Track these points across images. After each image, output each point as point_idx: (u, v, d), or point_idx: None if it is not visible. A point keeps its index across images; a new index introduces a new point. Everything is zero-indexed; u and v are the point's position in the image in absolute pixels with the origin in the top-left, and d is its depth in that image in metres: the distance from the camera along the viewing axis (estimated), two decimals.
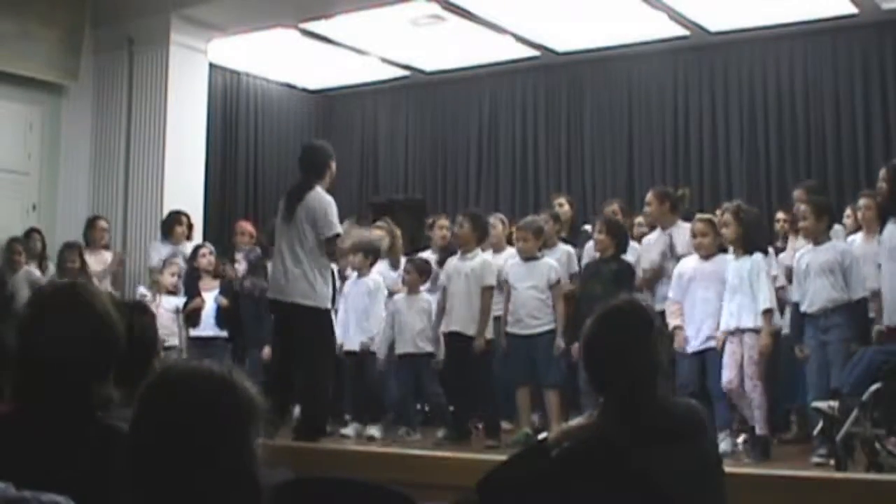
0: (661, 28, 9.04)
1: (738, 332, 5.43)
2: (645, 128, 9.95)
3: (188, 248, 7.79)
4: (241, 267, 7.45)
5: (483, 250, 6.54)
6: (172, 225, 7.92)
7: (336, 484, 2.63)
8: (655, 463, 2.19)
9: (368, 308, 6.68)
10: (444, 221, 7.47)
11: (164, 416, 1.44)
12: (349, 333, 6.67)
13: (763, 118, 9.36)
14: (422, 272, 6.70)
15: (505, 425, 6.32)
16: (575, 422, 2.66)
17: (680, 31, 9.13)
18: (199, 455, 1.42)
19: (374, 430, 6.36)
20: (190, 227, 7.99)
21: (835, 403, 4.79)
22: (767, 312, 5.37)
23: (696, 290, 5.72)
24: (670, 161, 9.76)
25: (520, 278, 6.22)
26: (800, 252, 5.61)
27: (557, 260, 6.50)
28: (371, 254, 6.81)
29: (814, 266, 5.34)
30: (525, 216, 8.08)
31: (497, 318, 6.36)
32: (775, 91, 9.30)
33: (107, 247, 8.06)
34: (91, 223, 8.08)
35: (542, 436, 2.54)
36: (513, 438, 5.88)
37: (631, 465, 2.20)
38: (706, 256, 5.77)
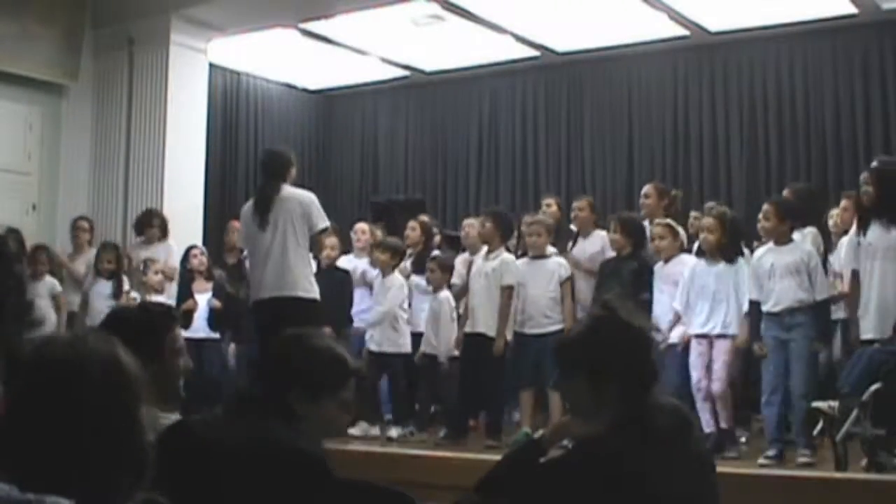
0: (661, 28, 9.04)
1: (716, 337, 5.57)
2: (645, 128, 9.95)
3: (161, 248, 7.76)
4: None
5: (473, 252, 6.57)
6: (143, 226, 7.91)
7: (336, 484, 2.63)
8: (651, 464, 2.19)
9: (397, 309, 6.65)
10: (412, 223, 7.52)
11: (46, 393, 1.40)
12: (375, 334, 6.68)
13: (763, 118, 9.36)
14: (445, 270, 6.69)
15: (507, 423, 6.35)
16: (571, 419, 2.66)
17: (680, 31, 9.13)
18: (84, 432, 1.38)
19: (394, 431, 6.37)
20: (162, 226, 7.90)
21: (835, 403, 4.79)
22: (747, 315, 5.53)
23: (655, 292, 5.90)
24: (670, 161, 9.75)
25: (529, 276, 6.19)
26: (761, 251, 5.63)
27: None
28: (397, 254, 6.84)
29: (779, 266, 5.37)
30: (527, 216, 8.11)
31: None
32: (775, 91, 9.30)
33: (91, 246, 8.02)
34: (72, 224, 8.08)
35: (537, 433, 2.53)
36: (513, 438, 5.88)
37: (627, 467, 2.19)
38: (666, 260, 5.94)
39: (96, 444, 1.39)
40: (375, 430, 6.52)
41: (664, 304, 5.85)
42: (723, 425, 5.54)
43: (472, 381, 6.20)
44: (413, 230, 7.42)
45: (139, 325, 2.54)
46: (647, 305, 5.70)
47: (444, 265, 6.70)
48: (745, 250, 6.17)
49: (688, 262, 5.90)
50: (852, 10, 8.47)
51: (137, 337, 2.48)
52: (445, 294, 6.63)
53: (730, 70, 9.55)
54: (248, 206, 6.05)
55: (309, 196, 5.89)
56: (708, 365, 5.57)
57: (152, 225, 7.88)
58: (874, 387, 4.57)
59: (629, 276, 5.94)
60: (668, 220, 6.11)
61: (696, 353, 5.61)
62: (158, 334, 2.58)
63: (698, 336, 5.63)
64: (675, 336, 5.77)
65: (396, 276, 6.75)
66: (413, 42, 9.70)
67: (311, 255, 5.93)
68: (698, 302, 5.67)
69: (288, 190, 5.87)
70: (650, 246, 6.12)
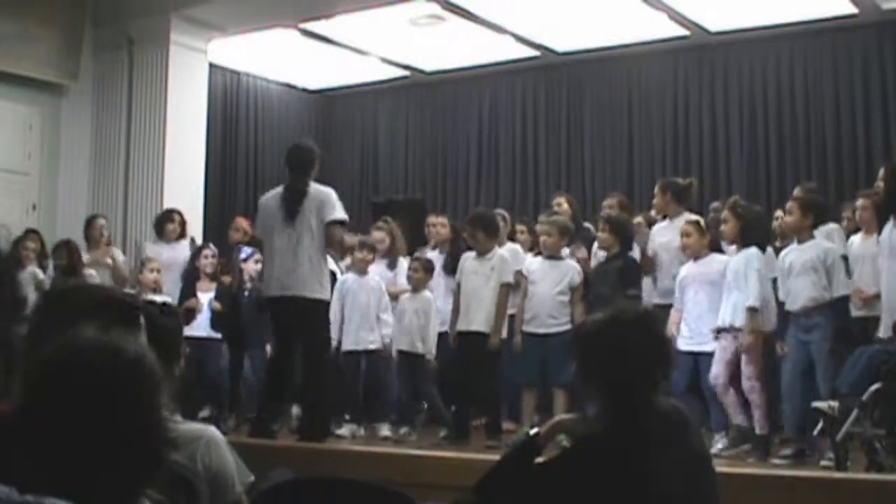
0: (661, 28, 9.04)
1: (734, 329, 5.46)
2: (645, 128, 9.95)
3: (179, 246, 7.77)
4: (251, 266, 7.32)
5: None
6: (164, 223, 7.93)
7: (336, 484, 2.63)
8: (652, 464, 2.19)
9: (375, 309, 6.64)
10: (440, 219, 7.46)
11: (61, 395, 1.40)
12: (352, 333, 6.64)
13: (763, 118, 9.37)
14: (428, 271, 6.70)
15: (508, 426, 6.32)
16: (567, 416, 2.67)
17: (680, 31, 9.13)
18: (101, 431, 1.38)
19: (385, 431, 6.36)
20: (182, 224, 7.95)
21: (835, 403, 4.79)
22: (750, 310, 5.38)
23: (688, 293, 5.81)
24: (670, 161, 9.75)
25: (541, 276, 6.16)
26: (785, 250, 5.60)
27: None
28: (373, 252, 6.84)
29: (797, 264, 5.34)
30: (525, 216, 8.12)
31: (511, 317, 6.33)
32: (775, 91, 9.30)
33: (108, 243, 8.07)
34: (89, 222, 8.09)
35: (533, 431, 2.53)
36: (512, 439, 5.87)
37: (629, 467, 2.20)
38: (694, 258, 5.86)
39: (128, 445, 1.41)
40: (361, 431, 6.52)
41: (701, 304, 5.69)
42: (757, 431, 5.38)
43: (468, 381, 6.20)
44: (444, 227, 7.33)
45: (165, 328, 2.53)
46: (637, 302, 5.65)
47: (427, 266, 6.72)
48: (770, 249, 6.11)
49: (718, 260, 5.80)
50: (852, 10, 8.47)
51: (163, 339, 2.49)
52: (428, 294, 6.63)
53: (730, 70, 9.55)
54: (270, 198, 5.87)
55: (327, 191, 5.75)
56: (731, 360, 5.46)
57: (173, 221, 7.91)
58: (874, 387, 4.57)
59: (615, 275, 5.92)
60: (695, 217, 6.03)
61: (720, 346, 5.51)
62: (180, 337, 2.58)
63: (721, 330, 5.52)
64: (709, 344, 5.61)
65: (377, 278, 6.79)
66: (413, 42, 9.70)
67: (324, 254, 5.85)
68: (724, 294, 5.59)
69: (312, 187, 5.74)
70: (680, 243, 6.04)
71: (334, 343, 6.49)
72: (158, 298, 7.05)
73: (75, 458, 1.38)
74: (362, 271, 6.78)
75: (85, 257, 7.61)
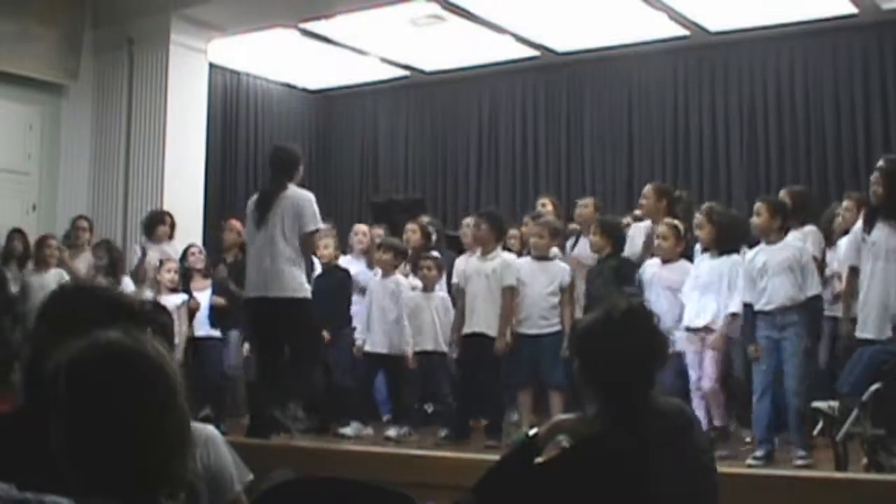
0: (661, 28, 9.04)
1: (705, 330, 5.54)
2: (645, 128, 9.95)
3: (170, 248, 7.75)
4: None
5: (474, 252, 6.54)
6: (155, 225, 7.90)
7: (336, 484, 2.63)
8: (653, 464, 2.19)
9: (395, 310, 6.61)
10: (411, 226, 7.48)
11: (86, 393, 1.43)
12: (373, 334, 6.63)
13: (763, 118, 9.37)
14: (440, 269, 6.70)
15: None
16: (566, 416, 2.67)
17: (680, 31, 9.14)
18: (126, 429, 1.41)
19: (392, 431, 6.36)
20: (173, 226, 7.93)
21: (835, 403, 4.79)
22: (733, 316, 5.50)
23: (650, 294, 5.82)
24: (670, 161, 9.76)
25: (532, 277, 6.17)
26: (753, 251, 5.60)
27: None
28: (399, 254, 6.83)
29: (772, 264, 5.33)
30: (525, 216, 8.11)
31: None
32: (775, 91, 9.30)
33: (89, 243, 8.01)
34: (72, 223, 8.09)
35: (532, 431, 2.53)
36: (511, 439, 5.87)
37: (628, 467, 2.20)
38: (665, 261, 5.89)
39: (150, 442, 1.44)
40: (368, 431, 6.51)
41: (661, 307, 5.67)
42: (715, 423, 5.52)
43: (472, 382, 6.20)
44: (413, 232, 7.40)
45: (159, 324, 2.55)
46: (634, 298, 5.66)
47: (439, 264, 6.72)
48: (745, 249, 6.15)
49: (685, 269, 5.86)
50: (852, 10, 8.47)
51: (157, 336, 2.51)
52: (440, 293, 6.62)
53: (730, 70, 9.55)
54: (251, 202, 6.08)
55: (306, 196, 5.87)
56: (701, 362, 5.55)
57: (164, 223, 7.90)
58: (874, 387, 4.57)
59: (610, 273, 5.94)
60: (675, 221, 6.04)
61: (691, 350, 5.57)
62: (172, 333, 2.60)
63: (690, 330, 5.58)
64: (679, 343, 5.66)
65: (398, 277, 6.76)
66: (413, 42, 9.70)
67: (302, 255, 5.93)
68: (692, 294, 5.66)
69: (291, 189, 5.87)
70: (655, 244, 6.08)
71: (359, 342, 6.63)
72: (176, 297, 7.10)
73: (97, 453, 1.41)
74: (386, 272, 6.76)
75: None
